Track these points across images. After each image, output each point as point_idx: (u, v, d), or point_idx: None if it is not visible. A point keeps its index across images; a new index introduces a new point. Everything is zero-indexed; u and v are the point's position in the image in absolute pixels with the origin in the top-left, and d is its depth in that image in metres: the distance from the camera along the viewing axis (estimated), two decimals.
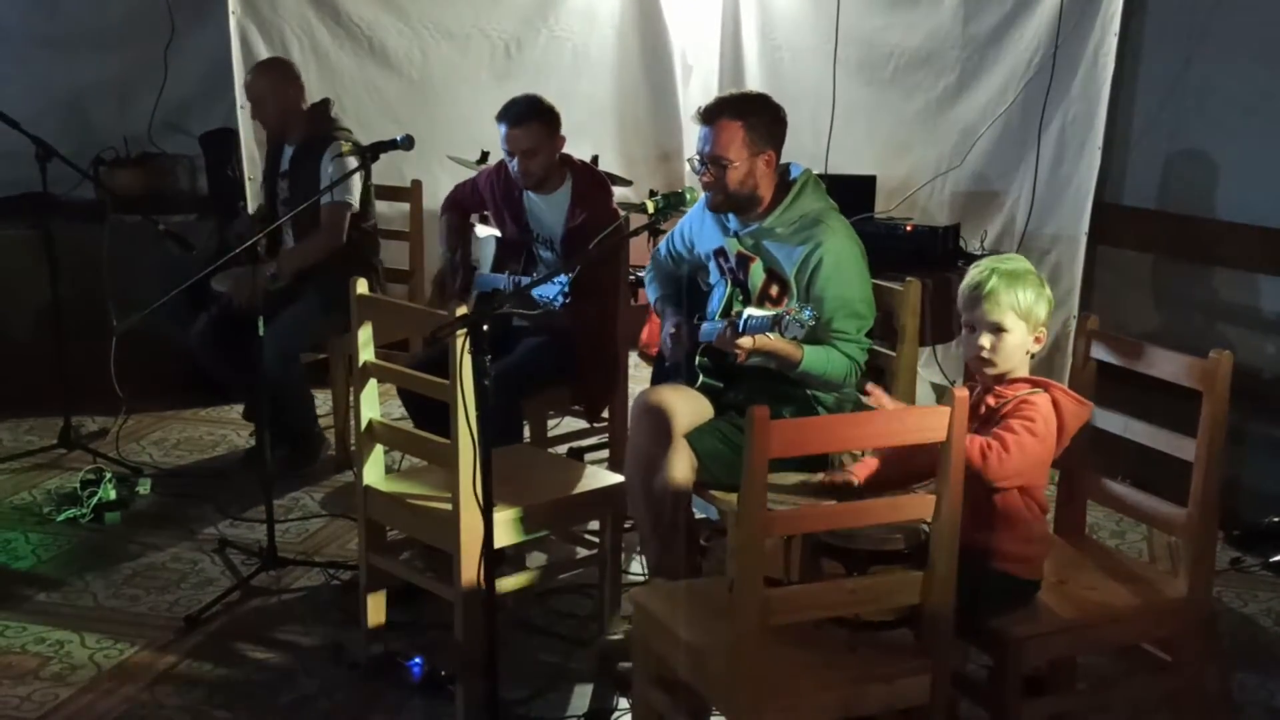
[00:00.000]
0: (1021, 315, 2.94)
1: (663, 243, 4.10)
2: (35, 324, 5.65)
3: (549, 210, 4.53)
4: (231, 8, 5.92)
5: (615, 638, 3.67)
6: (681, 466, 3.49)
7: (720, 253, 3.81)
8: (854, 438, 2.86)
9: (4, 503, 4.84)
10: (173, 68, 6.24)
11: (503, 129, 4.40)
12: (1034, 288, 2.96)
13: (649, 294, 4.09)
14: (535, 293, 3.87)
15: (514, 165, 4.44)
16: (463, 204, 4.85)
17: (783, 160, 3.72)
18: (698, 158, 3.66)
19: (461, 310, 3.08)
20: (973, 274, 2.99)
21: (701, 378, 3.70)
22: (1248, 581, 4.30)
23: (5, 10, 6.19)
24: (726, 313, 3.67)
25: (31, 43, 6.20)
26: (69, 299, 5.27)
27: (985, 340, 2.94)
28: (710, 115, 3.62)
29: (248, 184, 5.96)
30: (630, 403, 3.90)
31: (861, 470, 3.21)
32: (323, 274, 4.96)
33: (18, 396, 5.71)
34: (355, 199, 5.06)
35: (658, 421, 3.50)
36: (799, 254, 3.59)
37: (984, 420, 2.95)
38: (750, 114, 3.61)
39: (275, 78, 5.16)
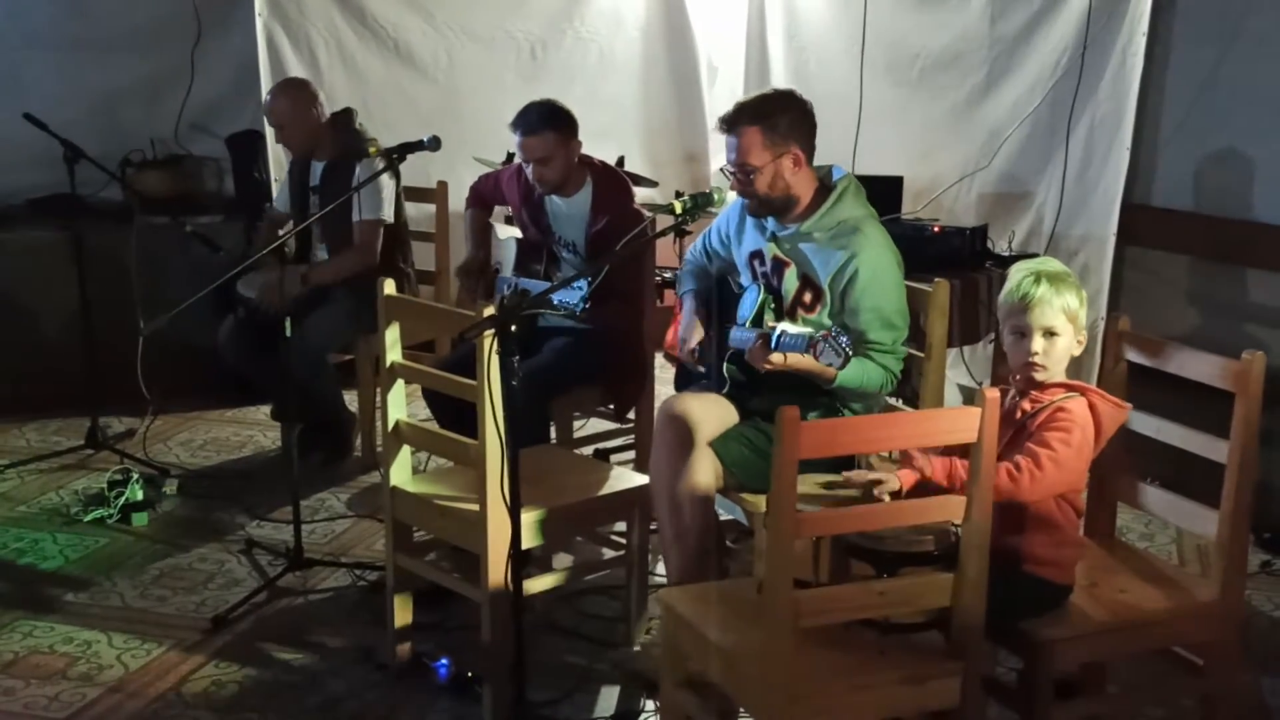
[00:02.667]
0: (1070, 318, 2.94)
1: (699, 238, 4.07)
2: (63, 325, 5.68)
3: (570, 213, 4.53)
4: (258, 10, 5.94)
5: (634, 650, 3.65)
6: (704, 475, 3.47)
7: (756, 255, 3.78)
8: (884, 439, 2.84)
9: (32, 503, 4.87)
10: (199, 70, 6.26)
11: (517, 137, 4.40)
12: (1077, 290, 2.97)
13: (679, 288, 4.06)
14: (556, 298, 3.87)
15: (530, 172, 4.44)
16: (486, 197, 4.86)
17: (816, 160, 3.69)
18: (729, 167, 3.65)
19: (489, 311, 3.08)
20: (1017, 280, 2.96)
21: (729, 384, 3.69)
22: (1278, 585, 4.26)
23: (33, 13, 6.22)
24: (758, 320, 3.64)
25: (60, 45, 6.22)
26: (97, 300, 5.29)
27: (1038, 345, 2.92)
28: (730, 123, 3.60)
29: (274, 185, 5.97)
30: (656, 404, 3.89)
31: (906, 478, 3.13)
32: (353, 278, 4.97)
33: (46, 397, 5.74)
34: (389, 213, 5.08)
35: (680, 430, 3.49)
36: (836, 262, 3.56)
37: (1019, 427, 2.93)
38: (767, 115, 3.57)
39: (294, 99, 5.13)
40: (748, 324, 3.66)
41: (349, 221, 5.00)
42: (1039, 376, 2.95)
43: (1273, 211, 4.81)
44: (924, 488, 2.90)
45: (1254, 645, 3.77)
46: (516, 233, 4.79)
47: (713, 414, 3.57)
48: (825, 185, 3.68)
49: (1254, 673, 3.61)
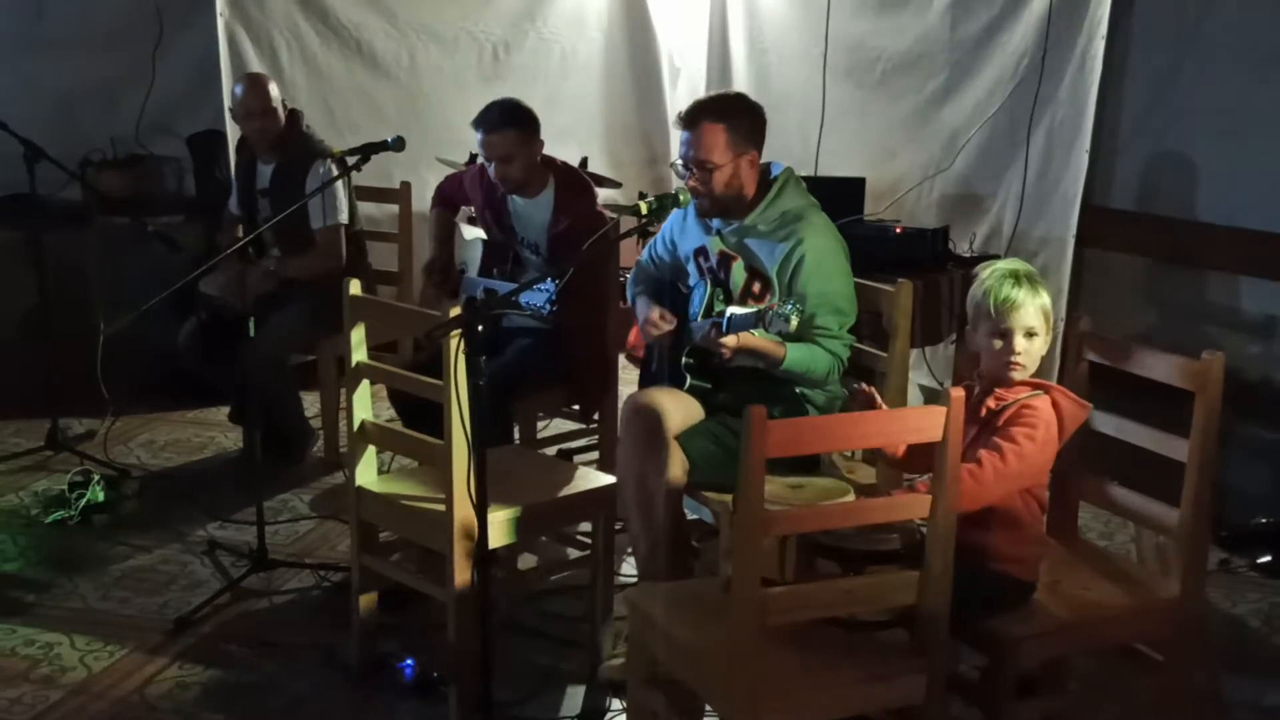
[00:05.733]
0: (1045, 317, 2.99)
1: (645, 250, 4.10)
2: (22, 325, 5.63)
3: (532, 214, 4.52)
4: (219, 10, 5.90)
5: (614, 664, 3.66)
6: (673, 467, 3.49)
7: (701, 252, 3.81)
8: (851, 437, 2.87)
9: None
10: (161, 70, 6.23)
11: (479, 135, 4.39)
12: (1046, 289, 3.02)
13: (628, 294, 4.08)
14: (522, 300, 3.87)
15: (492, 170, 4.43)
16: (451, 198, 4.86)
17: (766, 160, 3.72)
18: (681, 162, 3.66)
19: (455, 311, 3.08)
20: (994, 282, 2.98)
21: (689, 379, 3.70)
22: (1235, 583, 4.31)
23: None
24: (708, 313, 3.66)
25: (19, 44, 6.17)
26: (56, 300, 5.25)
27: (1020, 345, 2.96)
28: (692, 119, 3.62)
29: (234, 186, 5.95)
30: (620, 404, 3.90)
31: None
32: (312, 280, 4.95)
33: (4, 398, 5.67)
34: (345, 215, 5.07)
35: (649, 422, 3.50)
36: (780, 251, 3.60)
37: (984, 423, 2.97)
38: (731, 115, 3.61)
39: (265, 93, 5.08)
40: (699, 317, 3.69)
41: (304, 224, 4.97)
42: (1017, 376, 2.98)
43: (1227, 213, 4.87)
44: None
45: (1212, 642, 3.82)
46: (482, 233, 4.79)
47: (679, 408, 3.58)
48: (764, 180, 3.71)
49: (1212, 669, 3.65)
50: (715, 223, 3.75)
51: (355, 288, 3.58)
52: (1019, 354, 2.96)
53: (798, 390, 3.65)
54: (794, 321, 3.24)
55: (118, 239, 5.53)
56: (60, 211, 5.76)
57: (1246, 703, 3.58)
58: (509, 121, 4.37)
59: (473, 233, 4.86)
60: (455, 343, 3.06)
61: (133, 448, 5.47)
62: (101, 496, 4.74)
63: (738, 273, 3.70)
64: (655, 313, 3.75)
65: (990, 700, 2.94)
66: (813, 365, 3.56)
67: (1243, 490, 4.60)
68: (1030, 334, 2.97)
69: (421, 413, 3.67)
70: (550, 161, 4.52)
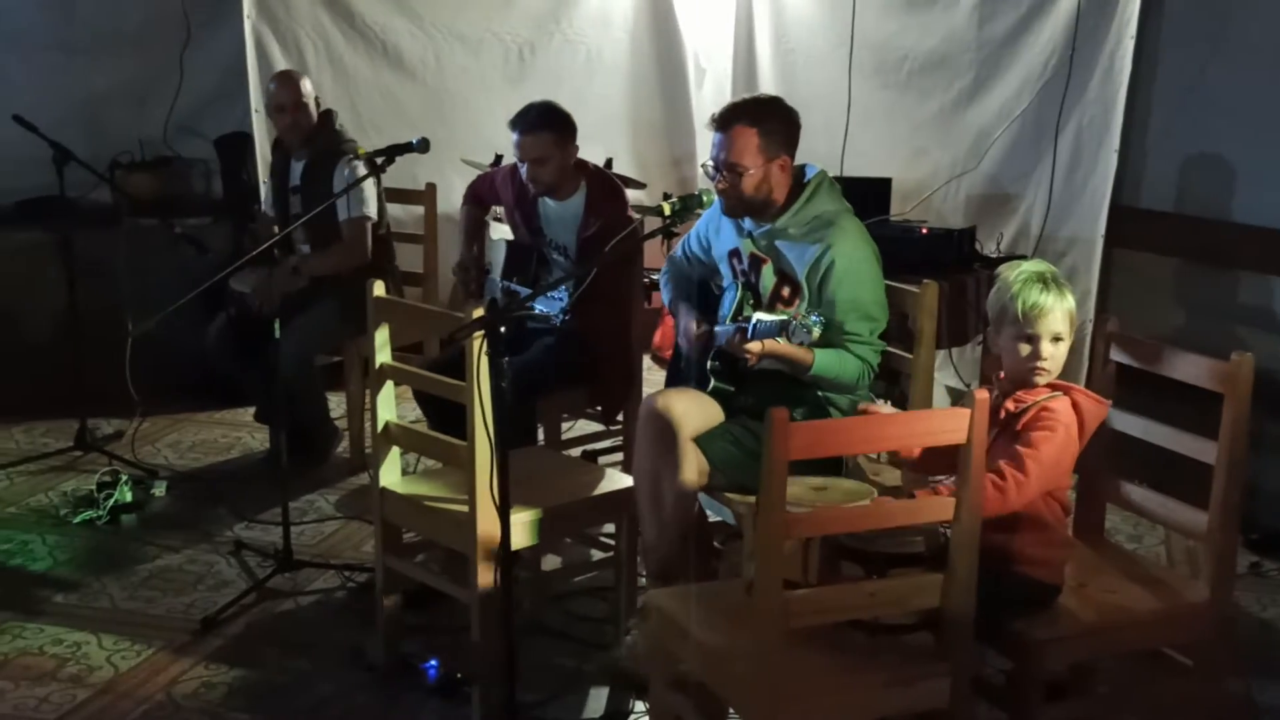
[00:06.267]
0: (1071, 321, 2.98)
1: (679, 244, 4.09)
2: (51, 327, 5.66)
3: (562, 216, 4.52)
4: (246, 12, 5.93)
5: (618, 653, 3.66)
6: (688, 470, 3.47)
7: (734, 254, 3.80)
8: (873, 439, 2.86)
9: (21, 505, 4.86)
10: (188, 72, 6.26)
11: (515, 136, 4.39)
12: (1072, 291, 3.00)
13: (664, 295, 4.08)
14: (537, 306, 3.87)
15: (524, 172, 4.43)
16: (482, 197, 4.87)
17: (796, 162, 3.71)
18: (711, 164, 3.64)
19: (478, 312, 3.08)
20: (1020, 286, 2.95)
21: (713, 382, 3.69)
22: (1266, 586, 4.28)
23: (21, 14, 6.21)
24: (737, 316, 3.66)
25: (48, 47, 6.20)
26: (85, 302, 5.28)
27: (1047, 350, 2.94)
28: (725, 122, 3.60)
29: (261, 187, 5.97)
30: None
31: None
32: (339, 280, 4.97)
33: (34, 399, 5.72)
34: (373, 210, 5.08)
35: (662, 426, 3.49)
36: (811, 255, 3.58)
37: (1003, 426, 2.95)
38: (765, 119, 3.59)
39: (297, 87, 5.13)
40: (728, 321, 3.68)
41: (333, 220, 4.99)
42: (1041, 380, 2.96)
43: (1258, 213, 4.83)
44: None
45: (1242, 646, 3.78)
46: (508, 234, 4.79)
47: (697, 410, 3.57)
48: (798, 182, 3.69)
49: (1242, 674, 3.62)
50: (747, 224, 3.74)
51: (379, 289, 3.59)
52: (1046, 359, 2.94)
53: (821, 394, 3.63)
54: (816, 333, 3.24)
55: (146, 240, 5.55)
56: (89, 213, 5.81)
57: (1277, 708, 3.54)
58: (546, 124, 4.37)
59: (500, 232, 4.87)
60: (478, 344, 3.06)
61: (160, 448, 5.50)
62: (129, 497, 4.77)
63: (767, 276, 3.69)
64: (694, 327, 3.74)
65: (1016, 704, 2.92)
66: (842, 372, 3.55)
67: (1275, 493, 4.55)
68: (1057, 338, 2.95)
69: (448, 414, 3.67)
70: (583, 164, 4.52)
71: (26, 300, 5.84)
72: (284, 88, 5.15)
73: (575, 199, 4.50)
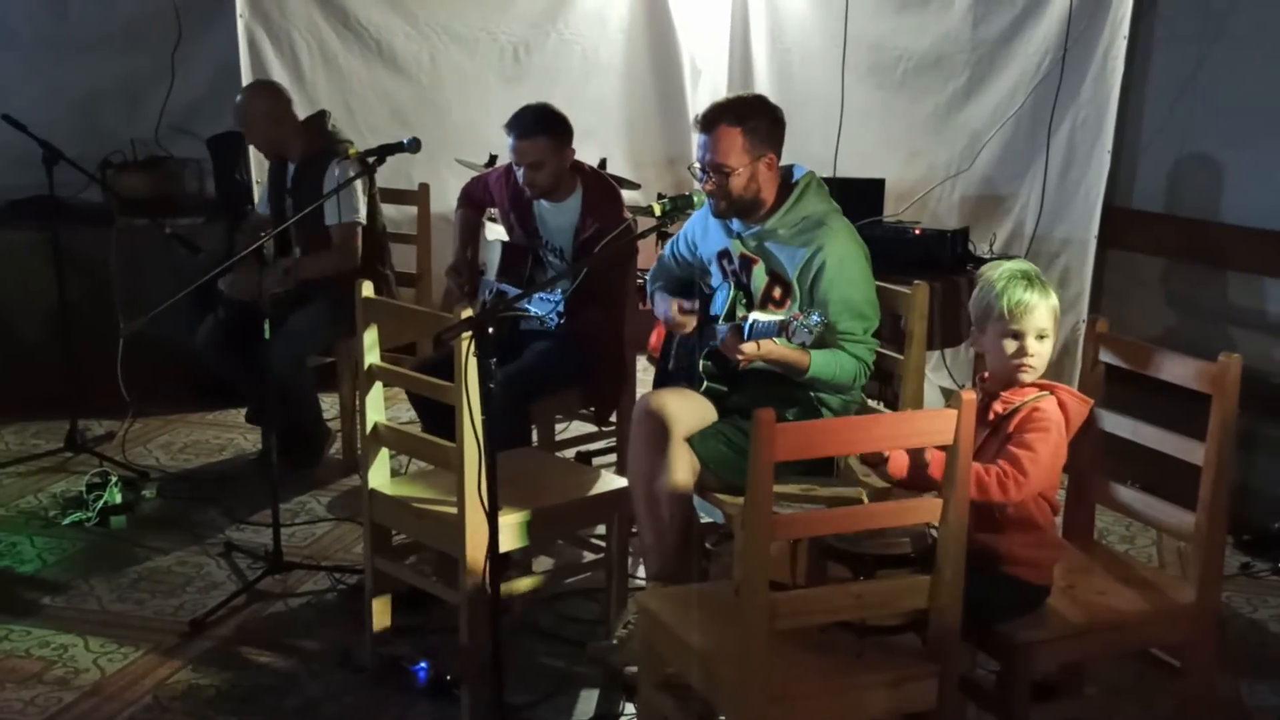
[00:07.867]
0: (1055, 318, 3.00)
1: (667, 246, 4.08)
2: (42, 327, 5.65)
3: (558, 218, 4.51)
4: (239, 11, 5.93)
5: (610, 643, 3.66)
6: (681, 470, 3.47)
7: (724, 255, 3.79)
8: (860, 440, 2.85)
9: (10, 506, 4.84)
10: (180, 71, 6.25)
11: (510, 140, 4.38)
12: (1054, 290, 3.03)
13: (648, 289, 4.06)
14: (531, 308, 3.86)
15: (521, 176, 4.42)
16: (477, 199, 4.85)
17: (787, 162, 3.70)
18: (698, 165, 3.64)
19: (467, 313, 3.08)
20: (1003, 285, 2.97)
21: (706, 382, 3.68)
22: (1257, 587, 4.27)
23: (13, 13, 6.20)
24: (731, 316, 3.65)
25: (39, 46, 6.20)
26: (76, 302, 5.28)
27: (1033, 347, 2.96)
28: (709, 122, 3.60)
29: (255, 187, 5.96)
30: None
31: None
32: (333, 281, 4.95)
33: (25, 399, 5.71)
34: (363, 214, 5.05)
35: (656, 425, 3.48)
36: (801, 256, 3.58)
37: (992, 427, 2.95)
38: (749, 118, 3.58)
39: (263, 103, 5.11)
40: (721, 320, 3.67)
41: (323, 223, 4.97)
42: (1027, 378, 2.97)
43: (1250, 214, 4.83)
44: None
45: (1232, 647, 3.78)
46: (503, 235, 4.78)
47: (690, 410, 3.56)
48: (786, 183, 3.68)
49: (1231, 674, 3.61)
50: (735, 225, 3.73)
51: (368, 289, 3.57)
52: (1032, 356, 2.95)
53: (813, 394, 3.62)
54: (817, 333, 3.22)
55: (138, 240, 5.54)
56: (80, 213, 5.80)
57: (1268, 708, 3.54)
58: (542, 128, 4.34)
59: (495, 233, 4.85)
60: (466, 345, 3.05)
61: (152, 449, 5.49)
62: (119, 498, 4.75)
63: (758, 276, 3.69)
64: (675, 306, 3.73)
65: (1005, 705, 2.91)
66: (838, 372, 3.54)
67: (1266, 494, 4.55)
68: (1042, 336, 2.97)
69: (441, 414, 3.66)
70: (579, 166, 4.51)
71: (17, 300, 5.83)
72: (243, 105, 5.15)
73: (572, 201, 4.48)
